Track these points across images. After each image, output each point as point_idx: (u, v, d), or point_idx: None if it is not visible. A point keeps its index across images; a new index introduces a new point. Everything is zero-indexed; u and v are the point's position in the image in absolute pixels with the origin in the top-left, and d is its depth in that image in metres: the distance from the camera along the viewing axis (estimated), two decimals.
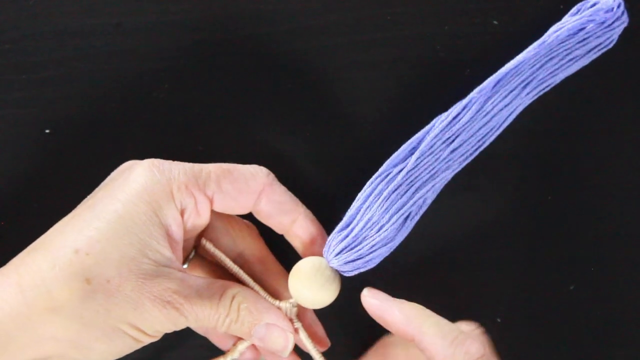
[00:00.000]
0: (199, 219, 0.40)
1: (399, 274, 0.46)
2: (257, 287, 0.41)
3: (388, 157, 0.42)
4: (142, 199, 0.38)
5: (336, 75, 0.47)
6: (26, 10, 0.48)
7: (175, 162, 0.39)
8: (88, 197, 0.40)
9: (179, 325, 0.38)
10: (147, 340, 0.38)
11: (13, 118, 0.47)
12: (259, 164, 0.42)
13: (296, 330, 0.41)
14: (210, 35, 0.48)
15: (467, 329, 0.39)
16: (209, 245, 0.41)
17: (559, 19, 0.43)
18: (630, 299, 0.46)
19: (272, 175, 0.41)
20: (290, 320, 0.41)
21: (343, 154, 0.46)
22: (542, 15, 0.46)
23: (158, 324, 0.37)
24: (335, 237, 0.41)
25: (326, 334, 0.43)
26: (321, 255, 0.41)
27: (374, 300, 0.39)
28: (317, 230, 0.42)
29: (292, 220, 0.41)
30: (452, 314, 0.45)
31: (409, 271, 0.46)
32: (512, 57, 0.43)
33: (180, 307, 0.37)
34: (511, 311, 0.45)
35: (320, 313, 0.42)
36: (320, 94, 0.47)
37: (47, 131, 0.47)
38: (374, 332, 0.44)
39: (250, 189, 0.40)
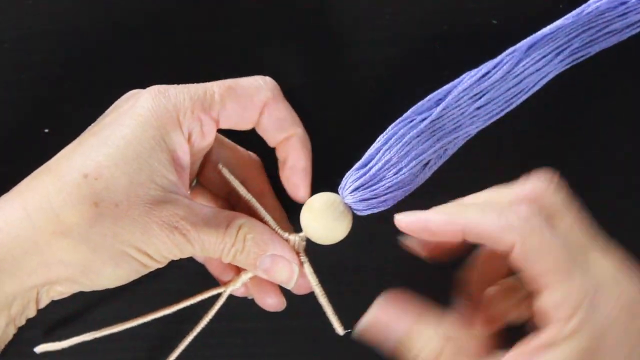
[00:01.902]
0: (204, 141, 0.40)
1: (399, 274, 0.46)
2: (268, 217, 0.41)
3: None
4: (150, 124, 0.38)
5: (336, 75, 0.47)
6: (26, 10, 0.48)
7: (181, 86, 0.39)
8: (93, 124, 0.40)
9: (185, 252, 0.38)
10: (154, 266, 0.39)
11: (12, 117, 0.47)
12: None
13: (301, 265, 0.41)
14: (210, 36, 0.48)
15: (538, 184, 0.36)
16: (224, 171, 0.41)
17: (557, 18, 0.44)
18: None
19: (277, 88, 0.41)
20: (297, 253, 0.41)
21: (343, 153, 0.46)
22: (542, 15, 0.46)
23: (165, 249, 0.38)
24: (353, 174, 0.41)
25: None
26: (302, 183, 0.42)
27: (410, 217, 0.36)
28: (303, 155, 0.42)
29: (286, 137, 0.41)
30: None
31: (409, 271, 0.45)
32: None
33: (187, 233, 0.38)
34: None
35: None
36: (319, 94, 0.47)
37: (46, 131, 0.47)
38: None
39: (255, 105, 0.40)
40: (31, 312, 0.40)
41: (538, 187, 0.36)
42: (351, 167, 0.42)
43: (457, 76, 0.43)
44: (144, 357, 0.45)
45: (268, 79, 0.41)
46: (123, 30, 0.48)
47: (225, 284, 0.43)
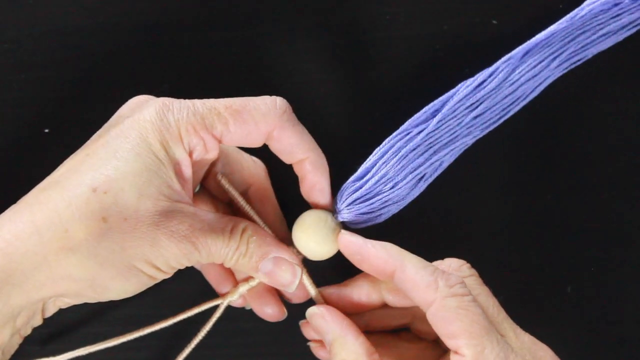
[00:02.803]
0: (207, 155, 0.40)
1: None
2: (266, 227, 0.42)
3: None
4: (154, 138, 0.38)
5: (336, 75, 0.47)
6: (26, 10, 0.48)
7: (186, 102, 0.39)
8: (98, 133, 0.40)
9: (192, 260, 0.38)
10: (161, 277, 0.39)
11: (12, 117, 0.47)
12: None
13: (302, 267, 0.41)
14: (210, 36, 0.48)
15: (455, 265, 0.40)
16: (224, 182, 0.41)
17: (557, 18, 0.44)
18: (629, 300, 0.46)
19: (287, 114, 0.40)
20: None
21: (342, 153, 0.46)
22: (542, 15, 0.46)
23: (173, 259, 0.38)
24: (349, 187, 0.41)
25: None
26: (322, 201, 0.42)
27: (354, 239, 0.39)
28: (318, 178, 0.41)
29: (299, 160, 0.41)
30: None
31: None
32: None
33: (195, 241, 0.38)
34: (510, 310, 0.45)
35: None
36: (319, 94, 0.47)
37: (46, 131, 0.47)
38: None
39: (260, 131, 0.39)
40: (37, 322, 0.40)
41: (455, 266, 0.40)
42: (345, 174, 0.42)
43: (457, 76, 0.43)
44: None
45: (279, 101, 0.40)
46: (123, 30, 0.48)
47: (223, 295, 0.43)
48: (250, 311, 0.45)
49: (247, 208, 0.42)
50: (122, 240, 0.36)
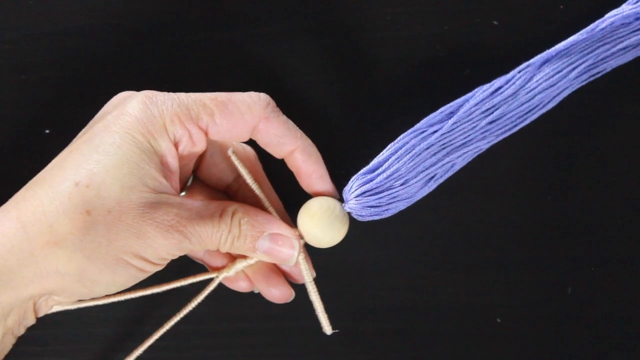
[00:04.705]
0: (195, 147, 0.40)
1: (400, 273, 0.46)
2: (271, 208, 0.41)
3: None
4: (137, 130, 0.38)
5: (336, 75, 0.47)
6: (26, 10, 0.48)
7: (170, 94, 0.39)
8: (83, 130, 0.40)
9: (183, 249, 0.38)
10: (152, 269, 0.39)
11: (13, 118, 0.47)
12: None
13: (300, 238, 0.41)
14: (210, 36, 0.48)
15: None
16: (234, 157, 0.41)
17: (558, 18, 0.43)
18: (630, 300, 0.46)
19: (271, 106, 0.40)
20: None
21: (342, 154, 0.46)
22: (542, 15, 0.46)
23: (162, 250, 0.38)
24: (359, 178, 0.41)
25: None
26: (324, 188, 0.42)
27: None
28: (313, 165, 0.41)
29: (289, 151, 0.41)
30: (452, 313, 0.45)
31: (410, 270, 0.46)
32: (512, 57, 0.44)
33: (183, 229, 0.38)
34: (511, 311, 0.45)
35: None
36: (320, 94, 0.47)
37: (47, 131, 0.47)
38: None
39: (246, 123, 0.40)
40: (30, 322, 0.40)
41: None
42: (344, 175, 0.42)
43: (458, 77, 0.43)
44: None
45: (263, 95, 0.40)
46: (123, 30, 0.48)
47: (219, 269, 0.43)
48: (250, 311, 0.45)
49: (254, 186, 0.41)
50: (107, 232, 0.36)
